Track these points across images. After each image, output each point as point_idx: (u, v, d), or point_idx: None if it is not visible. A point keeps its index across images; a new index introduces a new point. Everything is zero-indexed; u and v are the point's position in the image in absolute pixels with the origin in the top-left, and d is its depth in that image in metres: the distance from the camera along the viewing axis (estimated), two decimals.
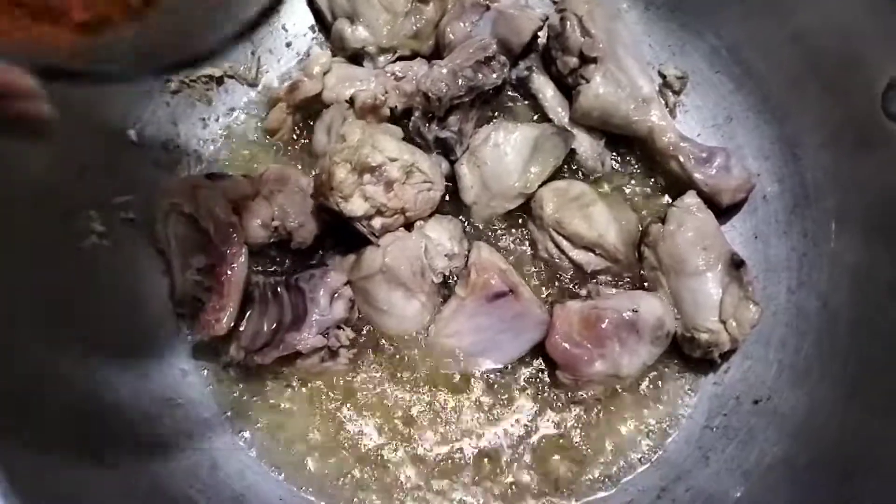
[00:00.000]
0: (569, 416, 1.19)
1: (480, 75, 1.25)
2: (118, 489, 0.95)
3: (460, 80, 1.24)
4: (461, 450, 1.17)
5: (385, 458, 1.16)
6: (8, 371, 0.90)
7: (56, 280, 1.04)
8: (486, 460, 1.17)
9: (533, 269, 1.26)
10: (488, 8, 1.30)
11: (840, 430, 1.05)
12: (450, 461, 1.16)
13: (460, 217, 1.26)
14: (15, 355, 0.93)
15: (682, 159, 1.24)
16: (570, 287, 1.24)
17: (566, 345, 1.16)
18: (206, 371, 1.18)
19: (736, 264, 1.17)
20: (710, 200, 1.24)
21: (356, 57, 1.33)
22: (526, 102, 1.35)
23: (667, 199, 1.31)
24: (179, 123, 1.27)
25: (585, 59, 1.26)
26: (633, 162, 1.33)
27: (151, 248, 1.20)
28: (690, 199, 1.23)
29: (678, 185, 1.28)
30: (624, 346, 1.16)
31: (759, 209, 1.28)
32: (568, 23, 1.27)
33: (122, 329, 1.13)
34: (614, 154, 1.33)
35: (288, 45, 1.37)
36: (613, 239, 1.21)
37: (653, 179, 1.32)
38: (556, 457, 1.17)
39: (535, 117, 1.34)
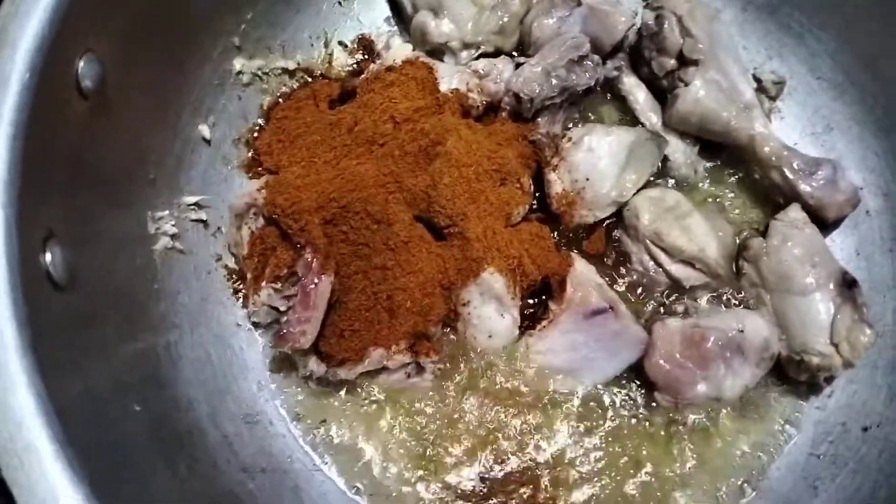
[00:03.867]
0: (666, 440, 1.12)
1: (573, 75, 1.17)
2: None
3: (553, 81, 1.16)
4: (550, 473, 1.09)
5: (470, 479, 1.08)
6: (86, 373, 0.81)
7: (131, 283, 0.96)
8: (578, 483, 1.09)
9: (623, 282, 1.19)
10: (579, 3, 1.22)
11: None
12: (538, 485, 1.09)
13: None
14: (92, 360, 0.84)
15: (785, 170, 1.17)
16: (665, 302, 1.17)
17: (668, 366, 1.09)
18: (282, 384, 1.10)
19: (848, 283, 1.10)
20: (813, 214, 1.17)
21: (435, 52, 1.24)
22: (611, 104, 1.28)
23: (762, 210, 1.23)
24: (250, 118, 1.19)
25: (685, 61, 1.19)
26: (726, 170, 1.25)
27: (222, 252, 1.12)
28: (795, 212, 1.16)
29: (775, 196, 1.21)
30: (728, 367, 1.09)
31: (862, 224, 1.22)
32: (666, 22, 1.20)
33: (196, 340, 1.05)
34: (707, 161, 1.25)
35: (362, 37, 1.27)
36: (714, 253, 1.14)
37: (747, 189, 1.24)
38: (652, 482, 1.10)
39: (621, 120, 1.26)
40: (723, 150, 1.24)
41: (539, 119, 1.19)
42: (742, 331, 1.09)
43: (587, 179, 1.15)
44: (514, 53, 1.28)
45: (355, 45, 1.27)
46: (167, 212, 1.05)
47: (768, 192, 1.22)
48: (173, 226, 1.05)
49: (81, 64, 0.86)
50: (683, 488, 1.10)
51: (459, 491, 1.07)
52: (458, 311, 1.09)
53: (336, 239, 1.05)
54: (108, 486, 0.73)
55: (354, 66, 1.26)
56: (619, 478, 1.09)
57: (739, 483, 1.11)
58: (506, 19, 1.24)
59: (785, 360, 1.13)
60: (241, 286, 1.11)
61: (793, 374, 1.13)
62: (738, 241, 1.20)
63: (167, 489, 0.86)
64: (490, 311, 1.08)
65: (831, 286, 1.11)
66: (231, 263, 1.12)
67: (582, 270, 1.12)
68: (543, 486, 1.09)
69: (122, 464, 0.80)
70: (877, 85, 1.21)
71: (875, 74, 1.21)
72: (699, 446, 1.11)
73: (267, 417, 1.07)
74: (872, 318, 1.14)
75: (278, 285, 1.05)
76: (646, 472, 1.10)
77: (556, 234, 1.18)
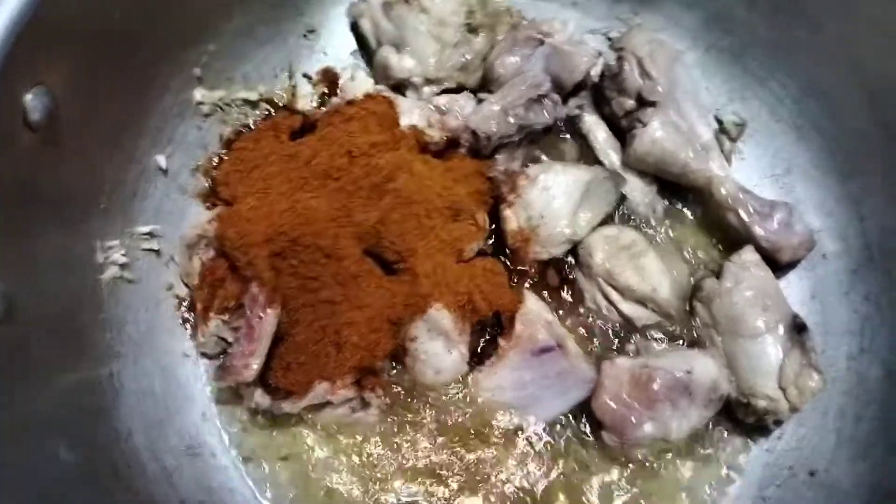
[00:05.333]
0: (610, 480, 1.11)
1: (532, 114, 1.18)
2: None
3: (511, 119, 1.17)
4: None
5: None
6: (16, 407, 0.82)
7: (75, 312, 0.97)
8: None
9: (576, 319, 1.19)
10: (542, 42, 1.23)
11: None
12: None
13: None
14: (24, 392, 0.84)
15: (741, 213, 1.17)
16: (616, 341, 1.17)
17: (614, 405, 1.08)
18: (227, 416, 1.10)
19: (798, 328, 1.10)
20: (768, 257, 1.17)
21: (399, 87, 1.25)
22: (572, 142, 1.28)
23: (719, 251, 1.23)
24: (209, 148, 1.20)
25: (643, 102, 1.20)
26: (684, 211, 1.26)
27: (174, 281, 1.12)
28: (749, 255, 1.16)
29: (733, 237, 1.21)
30: (675, 408, 1.09)
31: (818, 268, 1.22)
32: (626, 64, 1.21)
33: (140, 370, 1.05)
34: (665, 201, 1.25)
35: (326, 70, 1.28)
36: (667, 293, 1.14)
37: (705, 230, 1.24)
38: None
39: (582, 158, 1.26)
40: (682, 190, 1.25)
41: (497, 156, 1.20)
42: (690, 372, 1.08)
43: (542, 217, 1.15)
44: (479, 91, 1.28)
45: (320, 78, 1.28)
46: (117, 241, 1.05)
47: (726, 233, 1.22)
48: (123, 255, 1.06)
49: (30, 97, 0.87)
50: None
51: None
52: (405, 346, 1.09)
53: (285, 272, 1.05)
54: None
55: (318, 98, 1.27)
56: None
57: None
58: (468, 56, 1.25)
59: (733, 402, 1.12)
60: (190, 316, 1.12)
61: (741, 417, 1.13)
62: (692, 281, 1.20)
63: None
64: (437, 348, 1.08)
65: (781, 330, 1.11)
66: (182, 293, 1.12)
67: (532, 307, 1.12)
68: None
69: (51, 499, 0.80)
70: (839, 130, 1.20)
71: (837, 121, 1.20)
72: (644, 487, 1.11)
73: (209, 449, 1.07)
74: (824, 364, 1.14)
75: (226, 317, 1.06)
76: None
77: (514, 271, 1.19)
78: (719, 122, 1.29)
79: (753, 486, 1.13)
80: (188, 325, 1.12)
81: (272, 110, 1.24)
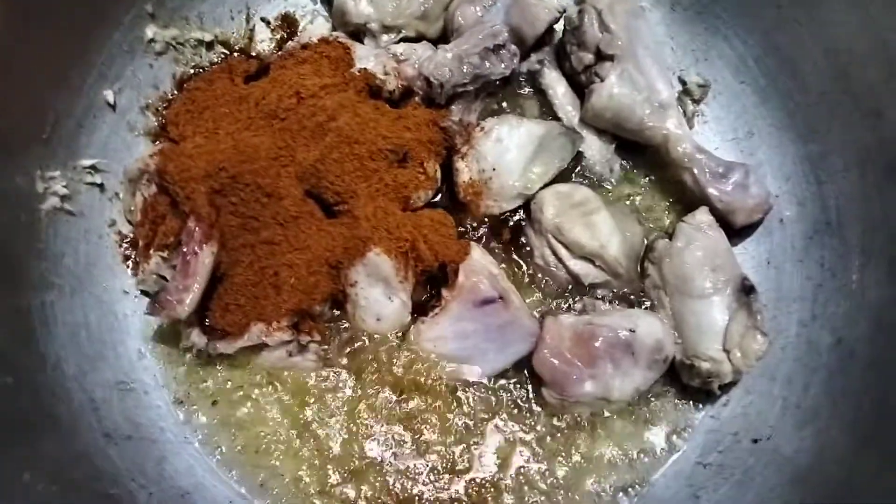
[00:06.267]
0: (550, 439, 1.09)
1: (488, 64, 1.16)
2: (49, 478, 0.86)
3: (465, 67, 1.15)
4: (427, 464, 1.07)
5: (347, 464, 1.06)
6: None
7: (10, 239, 0.96)
8: (453, 478, 1.07)
9: (526, 275, 1.17)
10: None
11: (850, 479, 0.95)
12: (414, 475, 1.07)
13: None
14: None
15: (696, 172, 1.15)
16: (564, 298, 1.15)
17: (555, 361, 1.07)
18: (164, 355, 1.09)
19: (746, 290, 1.08)
20: (723, 219, 1.15)
21: (357, 33, 1.24)
22: (535, 98, 1.26)
23: (676, 214, 1.21)
24: (161, 87, 1.18)
25: (602, 56, 1.17)
26: (642, 171, 1.23)
27: (117, 218, 1.11)
28: (702, 215, 1.14)
29: (690, 199, 1.19)
30: (617, 367, 1.07)
31: (775, 233, 1.19)
32: (586, 16, 1.18)
33: (76, 302, 1.04)
34: (624, 161, 1.23)
35: (286, 15, 1.27)
36: (615, 251, 1.12)
37: (663, 191, 1.22)
38: (531, 484, 1.08)
39: (543, 114, 1.24)
40: (641, 151, 1.22)
41: (453, 106, 1.18)
42: (634, 331, 1.07)
43: (494, 170, 1.14)
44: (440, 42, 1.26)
45: (279, 23, 1.26)
46: (58, 172, 1.04)
47: (683, 195, 1.20)
48: (64, 187, 1.05)
49: None
50: (563, 489, 1.07)
51: (329, 483, 1.05)
52: (346, 291, 1.08)
53: (225, 210, 1.04)
54: None
55: (276, 43, 1.25)
56: (493, 475, 1.07)
57: (620, 489, 1.08)
58: (429, 5, 1.23)
59: (678, 364, 1.10)
60: (132, 253, 1.10)
61: (686, 380, 1.11)
62: (646, 242, 1.18)
63: (13, 452, 0.85)
64: (377, 294, 1.07)
65: (729, 291, 1.09)
66: (125, 230, 1.11)
67: (477, 259, 1.10)
68: (420, 476, 1.07)
69: None
70: (799, 91, 1.18)
71: (798, 81, 1.18)
72: (586, 447, 1.09)
73: (143, 386, 1.06)
74: (776, 329, 1.13)
75: (166, 254, 1.05)
76: (524, 473, 1.08)
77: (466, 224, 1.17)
78: (683, 83, 1.26)
79: (695, 453, 1.11)
80: (129, 263, 1.11)
81: (228, 53, 1.22)
